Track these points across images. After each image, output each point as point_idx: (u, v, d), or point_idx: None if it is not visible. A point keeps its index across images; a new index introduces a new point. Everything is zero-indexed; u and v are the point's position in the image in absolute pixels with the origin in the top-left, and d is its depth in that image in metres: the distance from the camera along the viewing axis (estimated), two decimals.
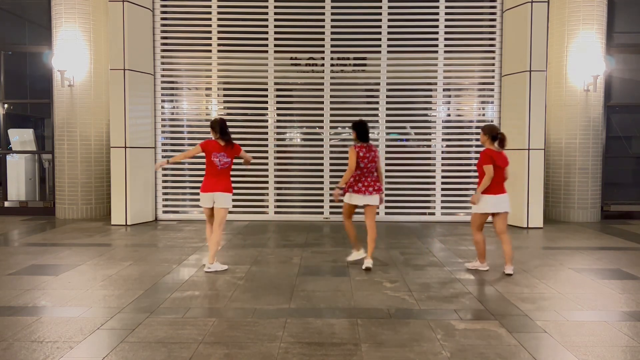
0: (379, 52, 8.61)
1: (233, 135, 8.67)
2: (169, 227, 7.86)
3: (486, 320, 3.73)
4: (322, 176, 8.70)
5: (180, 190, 8.82)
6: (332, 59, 8.66)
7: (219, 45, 8.68)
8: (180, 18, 8.66)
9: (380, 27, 8.59)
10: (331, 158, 8.71)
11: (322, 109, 8.69)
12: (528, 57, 7.79)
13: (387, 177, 8.68)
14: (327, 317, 3.79)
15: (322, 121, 8.68)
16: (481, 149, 8.51)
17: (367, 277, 4.94)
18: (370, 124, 8.72)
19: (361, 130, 5.30)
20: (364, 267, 5.23)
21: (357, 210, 5.45)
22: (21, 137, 9.65)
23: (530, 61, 7.79)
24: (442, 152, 8.72)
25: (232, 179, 8.64)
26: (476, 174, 8.72)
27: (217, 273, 5.07)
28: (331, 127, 8.76)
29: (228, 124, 8.64)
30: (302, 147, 8.93)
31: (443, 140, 8.74)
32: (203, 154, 5.21)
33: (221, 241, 6.04)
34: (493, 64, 8.58)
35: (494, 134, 5.12)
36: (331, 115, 8.71)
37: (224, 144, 5.18)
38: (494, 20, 8.55)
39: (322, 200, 8.69)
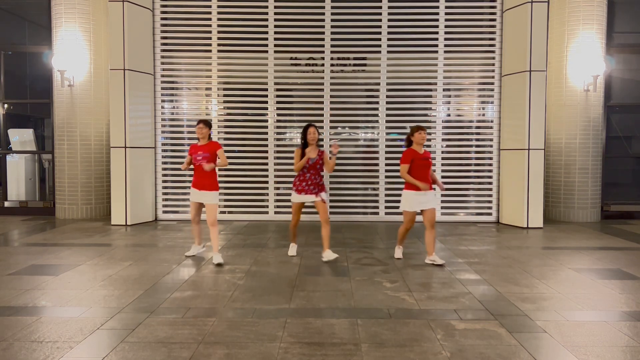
0: (379, 52, 8.61)
1: (233, 135, 8.83)
2: (169, 227, 7.86)
3: (486, 320, 3.73)
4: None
5: (181, 190, 8.81)
6: (332, 59, 8.66)
7: (219, 45, 8.68)
8: (180, 18, 8.66)
9: (380, 27, 8.59)
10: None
11: (322, 109, 8.69)
12: (528, 57, 7.80)
13: (387, 177, 8.70)
14: (327, 317, 3.79)
15: (322, 121, 8.68)
16: (481, 150, 8.73)
17: (367, 277, 4.94)
18: (370, 124, 8.84)
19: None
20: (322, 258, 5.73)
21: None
22: (21, 137, 9.65)
23: (530, 61, 7.79)
24: (442, 152, 8.72)
25: (231, 178, 8.81)
26: (476, 174, 8.84)
27: (217, 273, 5.08)
28: (331, 127, 8.76)
29: (228, 123, 8.83)
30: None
31: (443, 140, 8.74)
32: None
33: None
34: (493, 64, 8.58)
35: None
36: (331, 115, 8.71)
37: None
38: (494, 20, 8.55)
39: None
